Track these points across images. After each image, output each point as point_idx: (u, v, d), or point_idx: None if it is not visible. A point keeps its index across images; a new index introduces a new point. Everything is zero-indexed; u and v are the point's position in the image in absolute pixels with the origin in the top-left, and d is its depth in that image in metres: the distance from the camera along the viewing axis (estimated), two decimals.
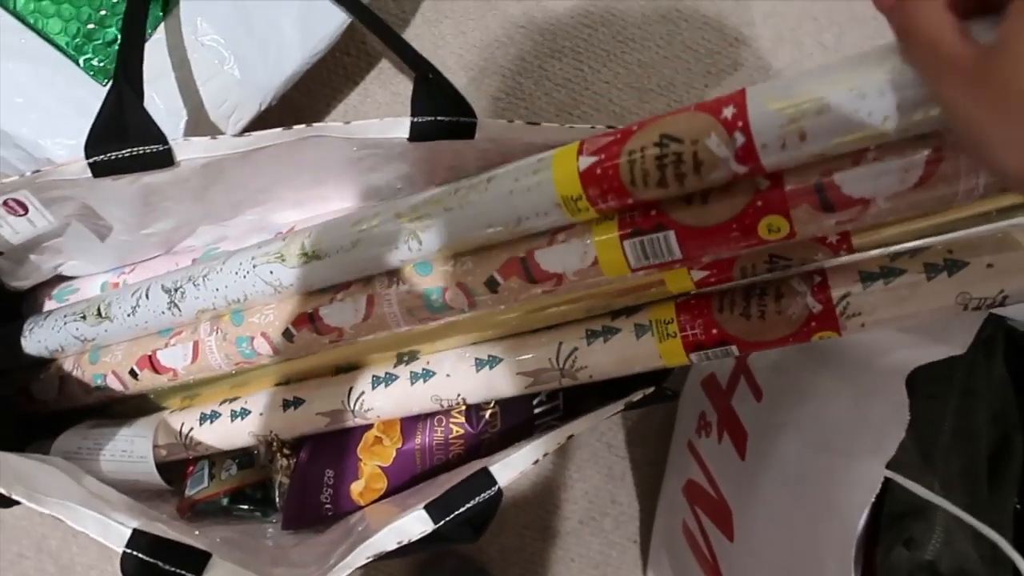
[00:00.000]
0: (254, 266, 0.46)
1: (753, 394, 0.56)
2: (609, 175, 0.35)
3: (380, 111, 0.76)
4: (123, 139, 0.39)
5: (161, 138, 0.40)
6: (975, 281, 0.37)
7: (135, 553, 0.35)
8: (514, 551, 0.74)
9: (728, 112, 0.32)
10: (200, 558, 0.36)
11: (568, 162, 0.36)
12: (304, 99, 0.72)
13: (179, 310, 0.49)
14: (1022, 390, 0.49)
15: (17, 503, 0.41)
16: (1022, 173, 0.24)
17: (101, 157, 0.39)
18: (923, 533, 0.44)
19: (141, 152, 0.40)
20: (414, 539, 0.39)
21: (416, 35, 0.76)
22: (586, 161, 0.35)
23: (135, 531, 0.36)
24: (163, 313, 0.49)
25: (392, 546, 0.39)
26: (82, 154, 0.39)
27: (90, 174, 0.40)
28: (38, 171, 0.41)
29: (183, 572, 0.35)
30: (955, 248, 0.38)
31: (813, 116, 0.30)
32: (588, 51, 0.80)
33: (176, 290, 0.49)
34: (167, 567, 0.35)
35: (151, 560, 0.35)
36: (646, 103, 0.80)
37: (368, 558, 0.38)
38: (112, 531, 0.36)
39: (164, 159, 0.40)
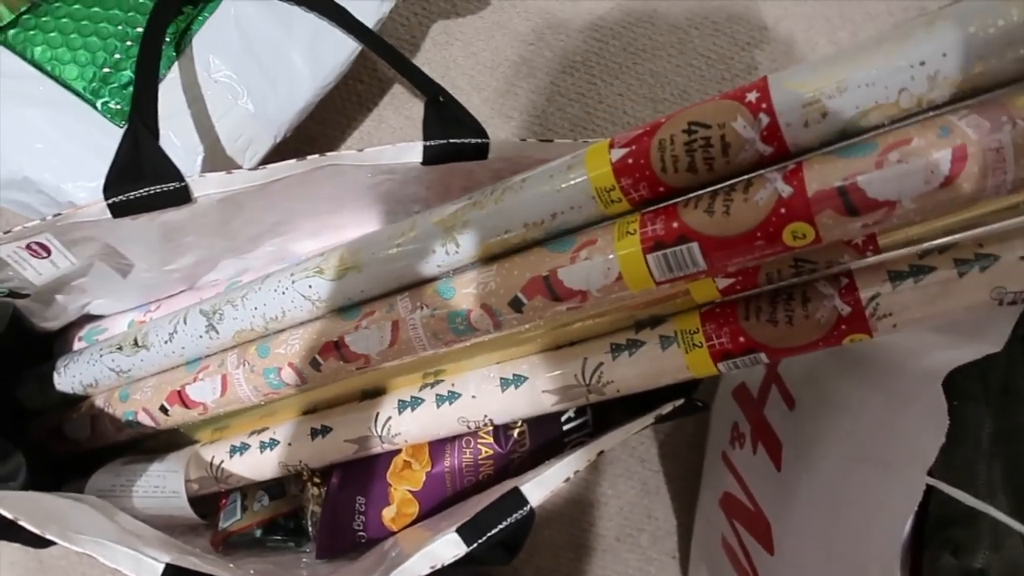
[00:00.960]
0: (293, 282, 0.47)
1: (785, 402, 0.55)
2: (640, 164, 0.37)
3: (395, 136, 0.76)
4: (140, 178, 0.40)
5: (178, 176, 0.40)
6: (1008, 274, 0.36)
7: None
8: (550, 572, 0.73)
9: (752, 96, 0.34)
10: None
11: (600, 155, 0.38)
12: (318, 128, 0.73)
13: (217, 332, 0.50)
14: None
15: (52, 543, 0.41)
16: None
17: (120, 198, 0.40)
18: (971, 540, 0.42)
19: (158, 191, 0.40)
20: (447, 563, 0.39)
21: (427, 59, 0.77)
22: (618, 153, 0.37)
23: (168, 566, 0.36)
24: (200, 337, 0.50)
25: (425, 571, 0.38)
26: (101, 196, 0.40)
27: (110, 215, 0.40)
28: (59, 214, 0.42)
29: None
30: (985, 242, 0.37)
31: (832, 94, 0.33)
32: (599, 65, 0.80)
33: (215, 313, 0.50)
34: None
35: None
36: (660, 113, 0.80)
37: None
38: (145, 566, 0.36)
39: (181, 196, 0.41)
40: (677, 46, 0.81)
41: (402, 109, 0.77)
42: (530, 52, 0.79)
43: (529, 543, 0.72)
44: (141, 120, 0.41)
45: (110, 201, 0.40)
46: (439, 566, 0.38)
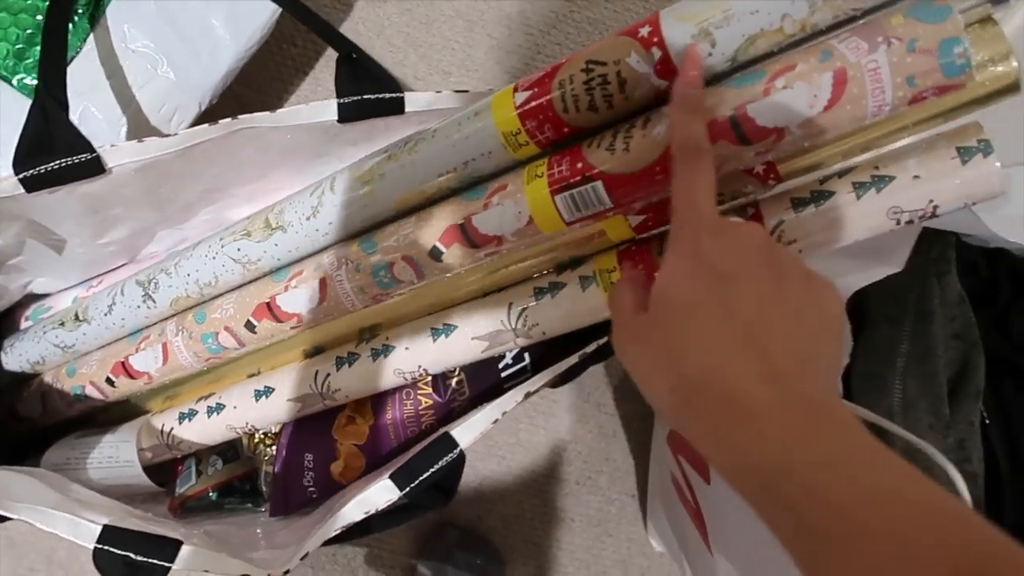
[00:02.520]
0: (222, 246, 0.48)
1: None
2: (543, 105, 0.37)
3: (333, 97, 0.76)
4: (51, 152, 0.40)
5: (88, 147, 0.40)
6: (904, 194, 0.37)
7: (106, 548, 0.36)
8: (514, 519, 0.75)
9: (644, 31, 0.35)
10: (172, 546, 0.37)
11: (505, 101, 0.38)
12: (255, 95, 0.72)
13: (153, 302, 0.50)
14: (980, 307, 0.49)
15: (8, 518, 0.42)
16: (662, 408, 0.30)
17: (30, 172, 0.40)
18: None
19: (70, 163, 0.40)
20: (381, 508, 0.40)
21: (361, 18, 0.76)
22: (521, 96, 0.38)
23: (105, 527, 0.37)
24: (138, 307, 0.51)
25: (360, 516, 0.40)
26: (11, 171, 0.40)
27: (23, 190, 0.40)
28: None
29: (154, 561, 0.36)
30: (881, 164, 0.38)
31: (720, 24, 0.33)
32: (535, 15, 0.79)
33: (150, 282, 0.50)
34: (138, 558, 0.36)
35: (122, 553, 0.36)
36: None
37: (336, 530, 0.39)
38: (82, 529, 0.37)
39: (94, 167, 0.41)
40: None
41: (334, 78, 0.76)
42: (465, 6, 0.78)
43: (492, 491, 0.75)
44: (49, 92, 0.41)
45: (20, 176, 0.40)
46: (373, 511, 0.40)
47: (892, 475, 0.25)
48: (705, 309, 0.29)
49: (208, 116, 0.59)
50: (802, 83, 0.33)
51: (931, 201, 0.37)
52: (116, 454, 0.54)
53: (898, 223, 0.38)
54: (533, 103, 0.37)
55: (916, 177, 0.37)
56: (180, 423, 0.53)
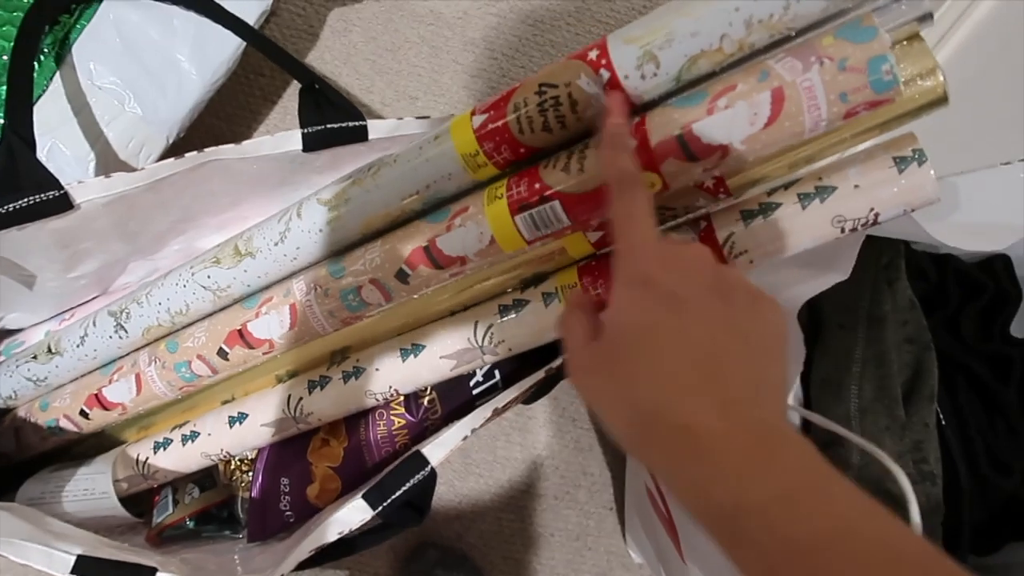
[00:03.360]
0: (193, 274, 0.49)
1: None
2: (500, 127, 0.39)
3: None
4: (18, 189, 0.41)
5: (55, 184, 0.41)
6: (846, 203, 0.39)
7: None
8: (493, 535, 0.76)
9: (593, 54, 0.36)
10: (147, 574, 0.38)
11: (464, 125, 0.40)
12: (224, 125, 0.73)
13: (126, 332, 0.51)
14: (931, 311, 0.51)
15: None
16: (622, 441, 0.29)
17: None
18: (843, 459, 0.46)
19: (37, 200, 0.41)
20: (355, 528, 0.40)
21: (327, 47, 0.78)
22: (479, 119, 0.39)
23: (79, 557, 0.37)
24: (111, 337, 0.51)
25: (333, 537, 0.40)
26: None
27: None
28: None
29: None
30: (824, 175, 0.40)
31: (662, 46, 0.35)
32: (499, 39, 0.81)
33: (121, 312, 0.51)
34: None
35: None
36: None
37: (311, 551, 0.40)
38: (56, 560, 0.37)
39: (62, 204, 0.42)
40: (575, 15, 0.83)
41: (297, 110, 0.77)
42: (430, 32, 0.80)
43: (471, 509, 0.75)
44: (14, 131, 0.42)
45: None
46: (346, 531, 0.40)
47: (850, 510, 0.25)
48: (657, 339, 0.29)
49: (177, 148, 0.60)
50: (743, 102, 0.34)
51: (872, 209, 0.39)
52: (92, 486, 0.54)
53: (842, 231, 0.40)
54: (490, 125, 0.39)
55: (856, 187, 0.39)
56: (155, 452, 0.54)
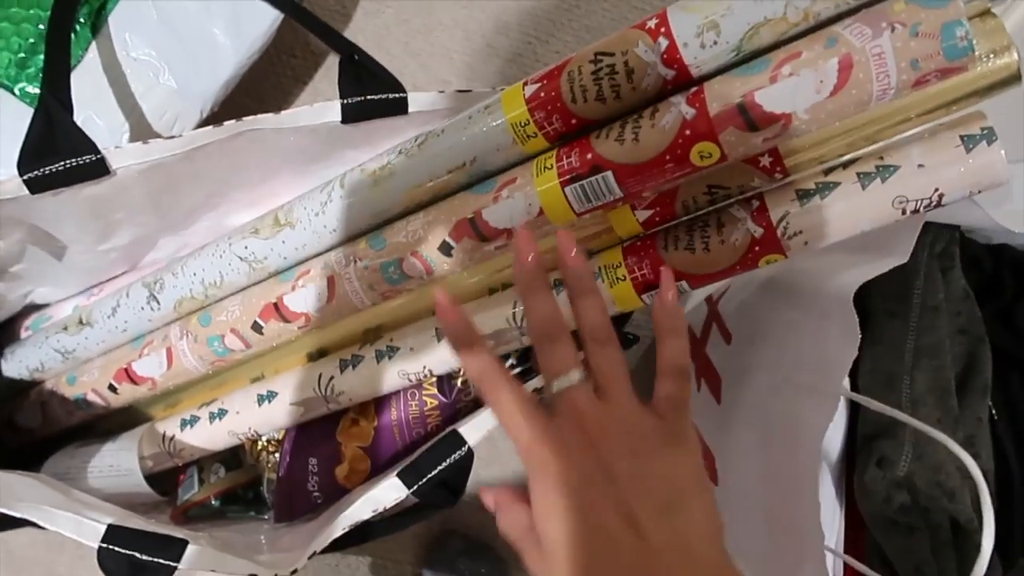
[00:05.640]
0: (230, 244, 0.48)
1: (724, 338, 0.57)
2: (552, 96, 0.38)
3: None
4: (55, 153, 0.40)
5: (93, 148, 0.40)
6: (909, 183, 0.37)
7: (112, 547, 0.35)
8: None
9: (652, 23, 0.36)
10: (178, 546, 0.37)
11: (516, 94, 0.39)
12: (255, 105, 0.73)
13: (158, 303, 0.50)
14: (985, 302, 0.49)
15: (10, 526, 0.42)
16: None
17: (35, 173, 0.40)
18: (894, 451, 0.44)
19: (74, 164, 0.40)
20: (389, 506, 0.39)
21: (359, 29, 0.77)
22: (531, 88, 0.39)
23: (110, 526, 0.36)
24: (142, 309, 0.51)
25: (368, 514, 0.39)
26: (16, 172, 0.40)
27: (27, 191, 0.40)
28: None
29: (160, 560, 0.35)
30: (886, 154, 0.38)
31: (725, 12, 0.34)
32: (533, 24, 0.80)
33: (155, 283, 0.51)
34: (144, 557, 0.35)
35: (127, 552, 0.35)
36: None
37: (344, 528, 0.39)
38: (86, 528, 0.36)
39: (99, 169, 0.41)
40: (611, 0, 0.82)
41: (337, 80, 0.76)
42: (463, 15, 0.79)
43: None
44: (53, 95, 0.41)
45: (25, 177, 0.40)
46: (381, 509, 0.39)
47: None
48: (586, 548, 0.28)
49: (210, 124, 0.59)
50: (808, 70, 0.33)
51: (936, 190, 0.37)
52: (117, 463, 0.54)
53: (904, 213, 0.38)
54: (542, 94, 0.38)
55: (920, 166, 0.37)
56: (182, 430, 0.53)
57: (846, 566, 0.47)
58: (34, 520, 0.36)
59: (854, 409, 0.47)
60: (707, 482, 0.31)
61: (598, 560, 0.28)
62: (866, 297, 0.49)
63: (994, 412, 0.49)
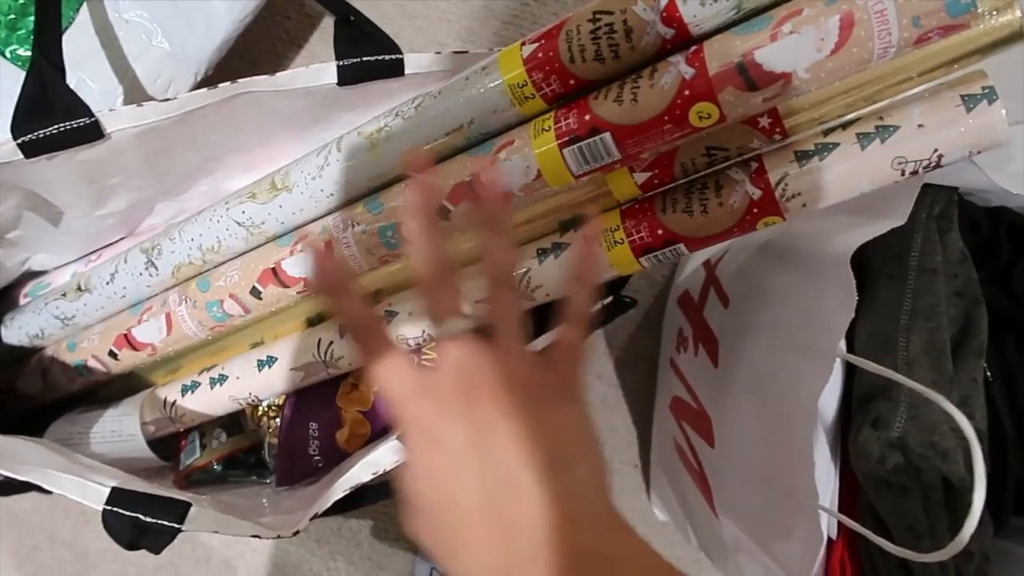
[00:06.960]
0: (227, 209, 0.48)
1: (721, 302, 0.57)
2: (550, 56, 0.37)
3: None
4: (49, 116, 0.39)
5: (87, 111, 0.40)
6: (908, 143, 0.37)
7: (115, 509, 0.36)
8: None
9: None
10: (181, 508, 0.37)
11: (513, 55, 0.39)
12: (249, 68, 0.71)
13: (156, 269, 0.50)
14: (982, 264, 0.49)
15: (14, 491, 0.42)
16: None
17: (29, 136, 0.39)
18: (889, 412, 0.45)
19: (68, 127, 0.40)
20: (388, 468, 0.40)
21: None
22: (528, 49, 0.38)
23: (114, 489, 0.37)
24: (140, 275, 0.51)
25: (367, 477, 0.40)
26: (10, 137, 0.39)
27: (21, 155, 0.40)
28: None
29: (163, 522, 0.36)
30: (886, 114, 0.38)
31: None
32: None
33: (153, 248, 0.50)
34: (148, 519, 0.36)
35: (131, 514, 0.36)
36: None
37: (345, 491, 0.39)
38: (90, 491, 0.36)
39: (93, 132, 0.41)
40: None
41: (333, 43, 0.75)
42: None
43: None
44: (45, 57, 0.41)
45: (19, 140, 0.39)
46: (381, 472, 0.40)
47: None
48: (450, 509, 0.27)
49: (203, 88, 0.59)
50: (809, 27, 0.33)
51: (936, 150, 0.37)
52: (119, 428, 0.54)
53: (903, 174, 0.38)
54: (540, 55, 0.37)
55: (920, 126, 0.37)
56: (183, 395, 0.53)
57: (840, 525, 0.48)
58: (38, 483, 0.36)
59: (850, 371, 0.47)
60: (595, 434, 0.29)
61: (460, 533, 0.27)
62: (864, 259, 0.49)
63: (989, 374, 0.49)
